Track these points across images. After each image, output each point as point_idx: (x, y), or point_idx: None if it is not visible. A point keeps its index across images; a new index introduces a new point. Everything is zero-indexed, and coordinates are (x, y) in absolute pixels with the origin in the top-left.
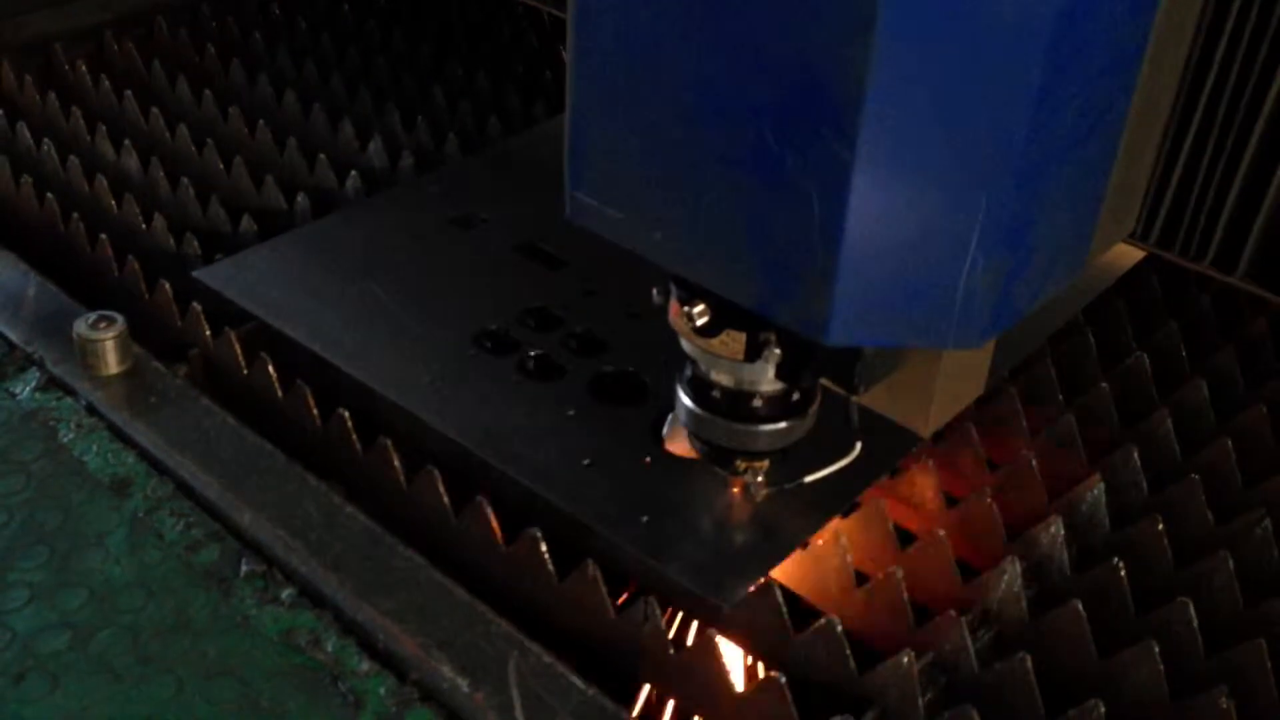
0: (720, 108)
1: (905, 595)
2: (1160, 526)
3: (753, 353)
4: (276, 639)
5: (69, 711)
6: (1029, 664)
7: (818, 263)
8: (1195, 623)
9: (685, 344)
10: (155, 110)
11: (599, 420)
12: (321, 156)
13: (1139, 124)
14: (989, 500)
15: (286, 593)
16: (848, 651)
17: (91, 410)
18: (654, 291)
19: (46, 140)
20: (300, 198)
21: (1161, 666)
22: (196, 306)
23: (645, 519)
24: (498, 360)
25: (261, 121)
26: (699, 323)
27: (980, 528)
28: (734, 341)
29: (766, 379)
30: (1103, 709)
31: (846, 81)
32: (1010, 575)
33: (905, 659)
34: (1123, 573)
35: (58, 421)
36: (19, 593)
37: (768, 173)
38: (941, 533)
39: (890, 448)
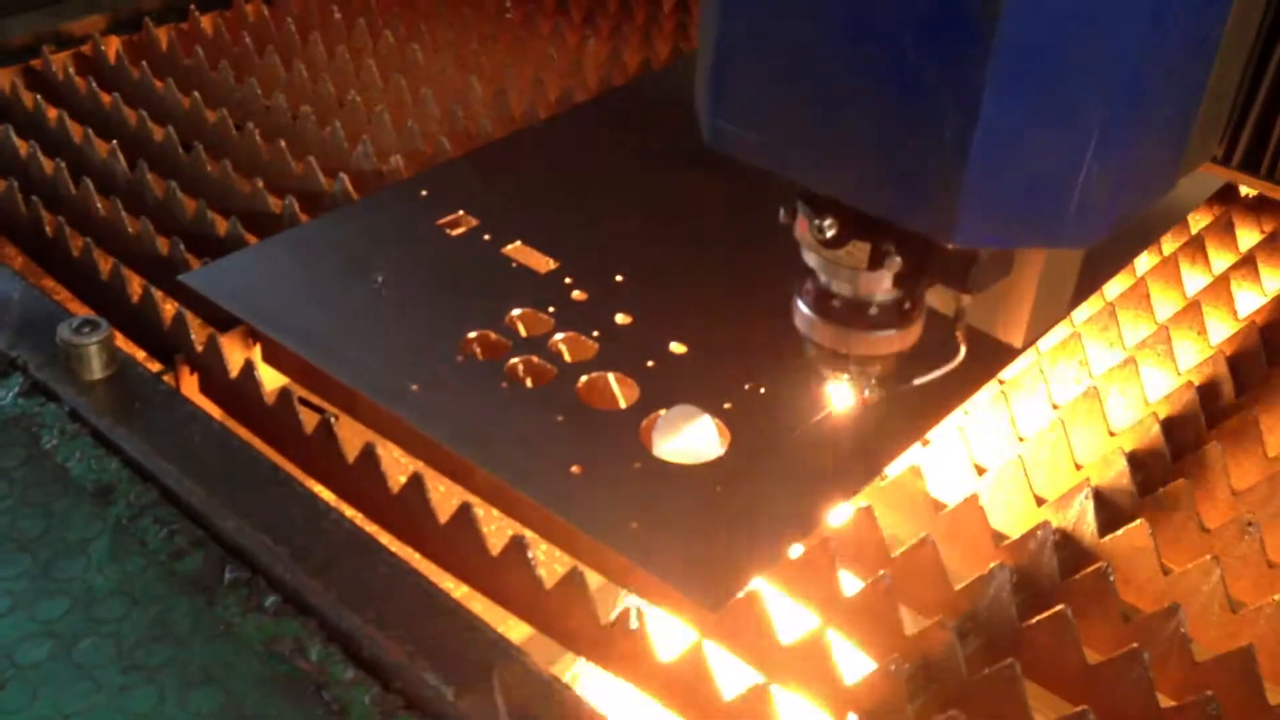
0: (864, 28)
1: (894, 601)
2: (1148, 531)
3: (875, 261)
4: (260, 647)
5: None
6: (1018, 670)
7: (948, 171)
8: (1184, 628)
9: (808, 257)
10: (143, 112)
11: (588, 425)
12: (310, 158)
13: (1228, 49)
14: (978, 505)
15: (270, 600)
16: (836, 658)
17: (75, 416)
18: (781, 211)
19: (33, 142)
20: (288, 200)
21: (1151, 674)
22: (183, 310)
23: (634, 524)
24: (486, 364)
25: (250, 123)
26: (828, 235)
27: (969, 533)
28: (858, 252)
29: (883, 288)
30: (1092, 716)
31: (985, 3)
32: (999, 581)
33: (894, 665)
34: (1110, 578)
35: (40, 427)
36: (0, 601)
37: (906, 88)
38: (930, 538)
39: (869, 461)
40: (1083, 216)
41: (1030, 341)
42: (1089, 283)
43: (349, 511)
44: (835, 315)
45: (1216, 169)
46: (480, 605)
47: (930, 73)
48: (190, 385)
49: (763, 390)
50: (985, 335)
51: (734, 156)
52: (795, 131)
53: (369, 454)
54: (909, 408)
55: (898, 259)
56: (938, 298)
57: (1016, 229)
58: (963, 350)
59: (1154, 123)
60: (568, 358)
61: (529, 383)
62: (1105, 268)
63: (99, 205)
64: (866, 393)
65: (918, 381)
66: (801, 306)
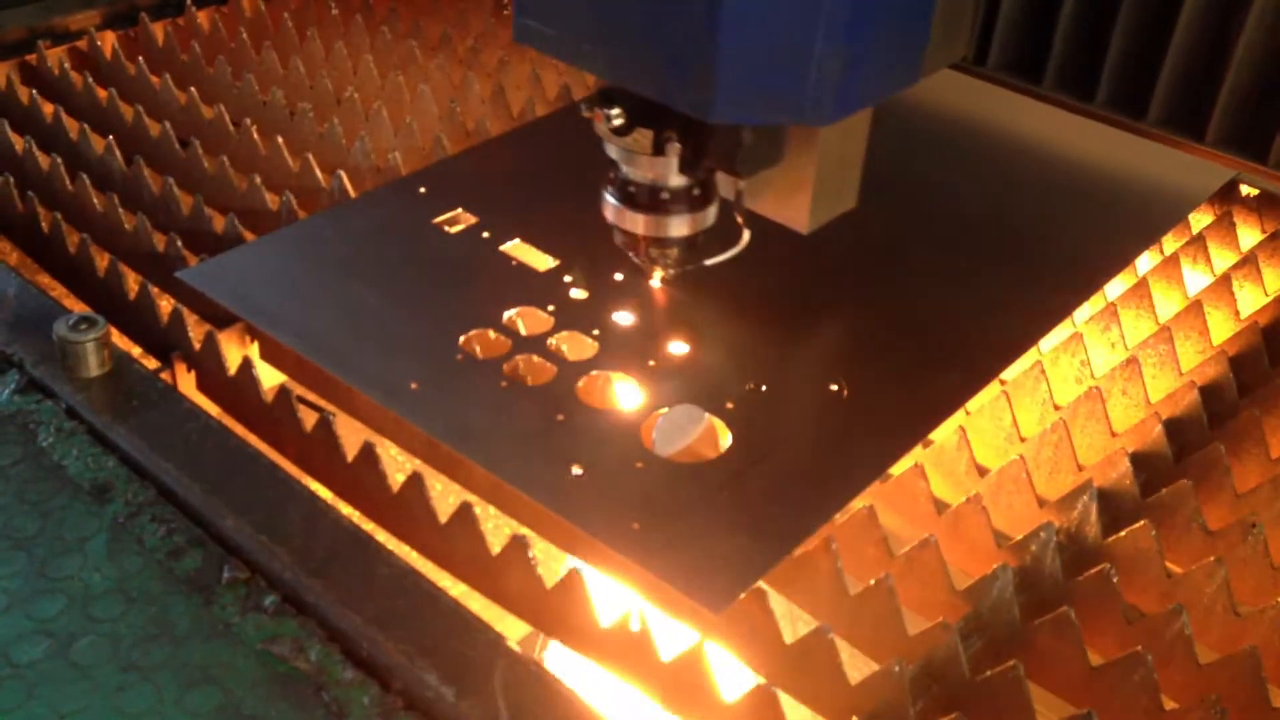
0: None
1: (897, 602)
2: (1151, 532)
3: (658, 147)
4: (259, 647)
5: None
6: (1021, 672)
7: (702, 50)
8: (1188, 630)
9: (610, 149)
10: (139, 108)
11: (589, 424)
12: (308, 155)
13: None
14: (981, 506)
15: (269, 600)
16: (839, 659)
17: (72, 413)
18: (582, 105)
19: (28, 138)
20: (286, 196)
21: (1154, 675)
22: (180, 307)
23: (636, 525)
24: (486, 363)
25: (247, 120)
26: (615, 124)
27: (972, 533)
28: (644, 139)
29: (673, 174)
30: (1095, 718)
31: None
32: (1002, 582)
33: (896, 667)
34: (1114, 579)
35: (37, 424)
36: None
37: None
38: (933, 538)
39: (872, 461)
40: (821, 93)
41: (815, 227)
42: (1089, 282)
43: (346, 510)
44: (631, 201)
45: (1221, 162)
46: (478, 604)
47: None
48: (187, 383)
49: (764, 389)
50: (981, 341)
51: (539, 50)
52: (579, 23)
53: (368, 452)
54: (912, 409)
55: (677, 144)
56: (727, 186)
57: (764, 105)
58: (746, 234)
59: (881, 12)
60: (568, 357)
61: (529, 382)
62: (1106, 266)
63: (95, 201)
64: (664, 273)
65: (708, 262)
66: (606, 196)
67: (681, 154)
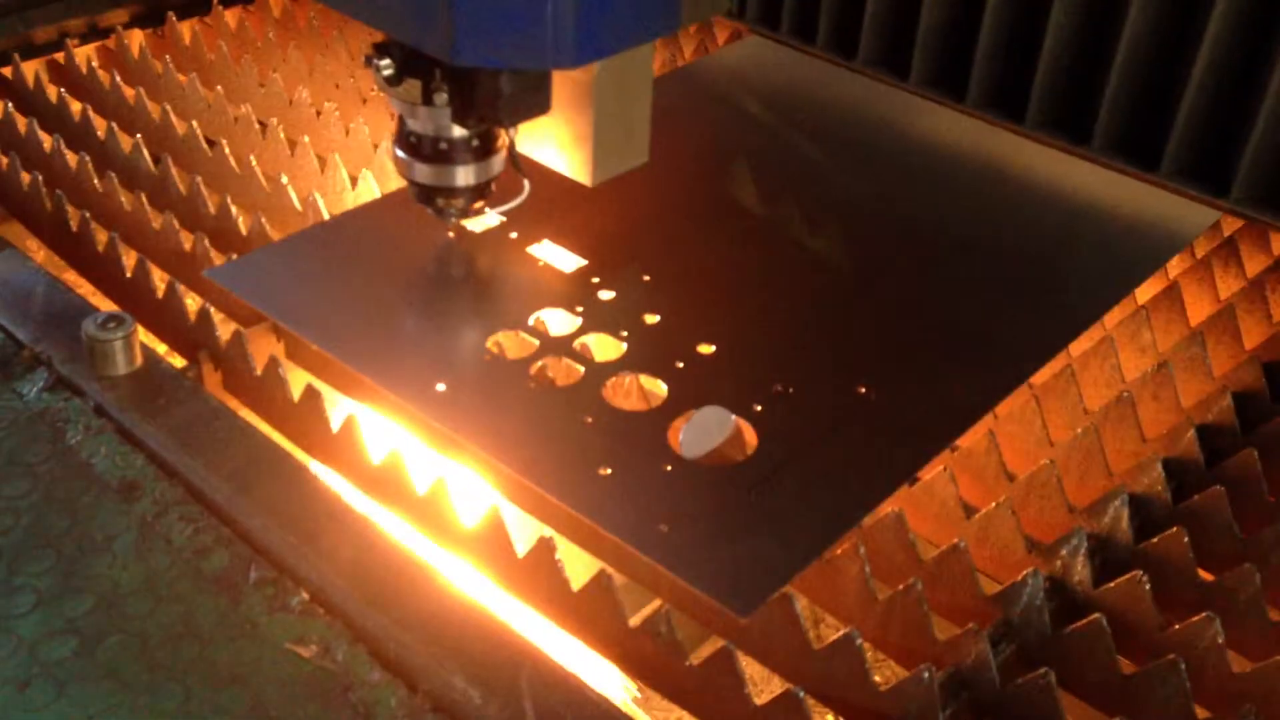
0: None
1: (925, 607)
2: (1184, 539)
3: (427, 97)
4: (286, 647)
5: None
6: (1052, 679)
7: None
8: (1221, 638)
9: (394, 102)
10: (167, 106)
11: (616, 426)
12: (335, 155)
13: None
14: (1010, 511)
15: (296, 600)
16: (867, 665)
17: (100, 411)
18: (365, 58)
19: (57, 136)
20: (313, 196)
21: (1187, 683)
22: (207, 306)
23: (664, 528)
24: (512, 364)
25: (274, 119)
26: (384, 73)
27: (1001, 539)
28: (414, 89)
29: (449, 125)
30: None
31: None
32: (1032, 588)
33: (926, 674)
34: (1146, 586)
35: (65, 423)
36: (25, 597)
37: None
38: (962, 543)
39: (900, 466)
40: (561, 38)
41: (602, 180)
42: (1119, 287)
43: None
44: (412, 150)
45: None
46: (506, 605)
47: None
48: (214, 381)
49: (792, 391)
50: (1010, 345)
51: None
52: None
53: (394, 454)
54: (940, 413)
55: (445, 94)
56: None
57: (507, 47)
58: (526, 185)
59: None
60: (595, 358)
61: (556, 383)
62: (1137, 270)
63: (123, 200)
64: (456, 221)
65: (491, 210)
66: (395, 149)
67: (452, 104)
